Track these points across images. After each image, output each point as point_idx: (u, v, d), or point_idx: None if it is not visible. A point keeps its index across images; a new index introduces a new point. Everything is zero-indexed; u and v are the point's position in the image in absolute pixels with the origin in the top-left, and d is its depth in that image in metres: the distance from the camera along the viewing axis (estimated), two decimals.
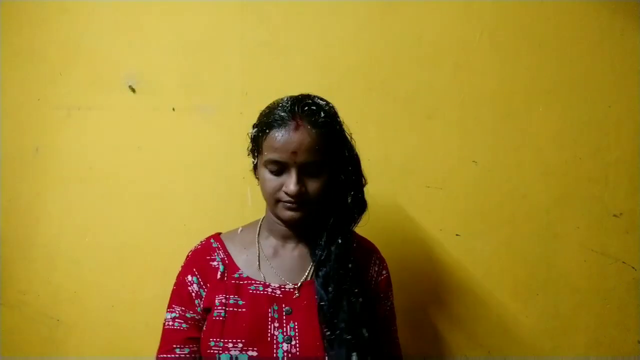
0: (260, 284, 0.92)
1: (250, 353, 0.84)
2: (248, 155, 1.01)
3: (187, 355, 0.91)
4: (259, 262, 0.96)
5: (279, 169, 0.89)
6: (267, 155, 0.90)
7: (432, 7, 1.31)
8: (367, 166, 1.27)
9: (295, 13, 1.33)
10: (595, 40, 1.30)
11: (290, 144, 0.87)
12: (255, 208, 1.29)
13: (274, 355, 0.84)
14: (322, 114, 0.91)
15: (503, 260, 1.30)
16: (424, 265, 1.30)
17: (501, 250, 1.30)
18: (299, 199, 0.89)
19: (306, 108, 0.90)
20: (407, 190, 1.30)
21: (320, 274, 0.91)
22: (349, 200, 0.95)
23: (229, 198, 1.31)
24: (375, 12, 1.32)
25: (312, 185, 0.90)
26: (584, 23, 1.30)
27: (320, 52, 1.32)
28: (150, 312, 1.31)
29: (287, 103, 0.92)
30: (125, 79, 1.35)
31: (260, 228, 1.01)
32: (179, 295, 0.96)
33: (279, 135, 0.88)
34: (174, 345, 0.91)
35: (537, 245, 1.29)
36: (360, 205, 0.98)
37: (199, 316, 0.93)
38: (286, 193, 0.88)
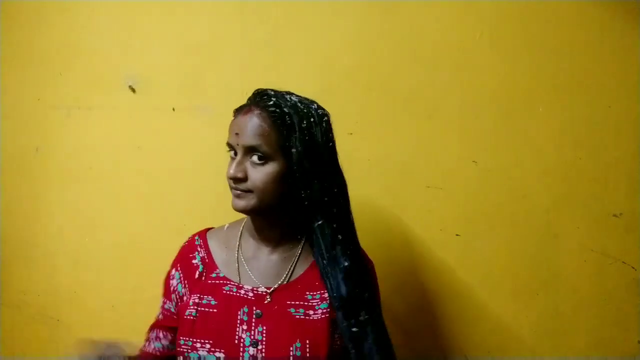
0: (234, 285, 0.91)
1: (217, 354, 0.84)
2: None
3: (156, 341, 0.98)
4: (237, 263, 0.95)
5: (234, 154, 0.89)
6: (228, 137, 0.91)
7: (432, 7, 1.31)
8: (367, 166, 1.27)
9: (295, 13, 1.33)
10: (595, 40, 1.30)
11: (237, 125, 0.88)
12: None
13: (240, 358, 0.83)
14: (276, 103, 0.88)
15: (503, 260, 1.30)
16: (424, 265, 1.30)
17: (501, 250, 1.30)
18: (237, 184, 0.87)
19: (264, 97, 0.90)
20: (407, 190, 1.30)
21: (337, 301, 0.88)
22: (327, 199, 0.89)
23: (229, 198, 1.31)
24: (375, 12, 1.32)
25: (255, 173, 0.86)
26: (584, 23, 1.30)
27: (320, 52, 1.32)
28: (150, 312, 1.31)
29: (255, 91, 0.94)
30: (125, 79, 1.35)
31: (243, 228, 1.00)
32: (164, 287, 1.00)
33: (234, 118, 0.91)
34: (150, 331, 1.00)
35: (537, 245, 1.29)
36: (342, 212, 0.92)
37: (175, 309, 0.95)
38: (229, 177, 0.88)
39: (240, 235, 0.99)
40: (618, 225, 1.28)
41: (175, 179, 1.32)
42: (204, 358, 0.84)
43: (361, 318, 0.87)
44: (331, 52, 1.32)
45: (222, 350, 0.84)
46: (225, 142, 0.92)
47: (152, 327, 1.01)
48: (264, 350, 0.84)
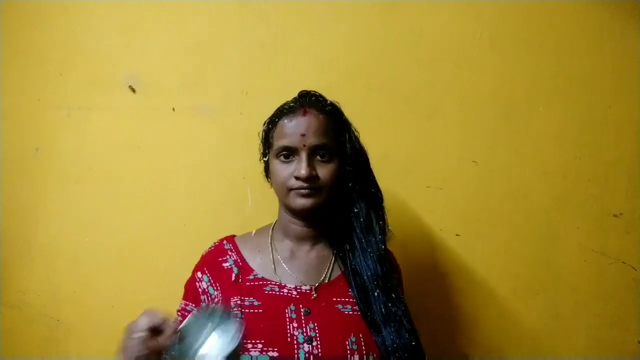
0: (275, 284, 0.92)
1: (270, 354, 0.83)
2: (260, 160, 1.03)
3: None
4: (274, 264, 0.95)
5: (289, 155, 0.92)
6: (278, 143, 0.93)
7: (432, 7, 1.31)
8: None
9: (295, 13, 1.33)
10: (595, 40, 1.30)
11: (299, 127, 0.91)
12: (255, 208, 1.29)
13: (296, 355, 0.83)
14: (328, 103, 0.97)
15: (503, 260, 1.30)
16: (424, 265, 1.30)
17: (501, 250, 1.30)
18: (311, 183, 0.90)
19: (313, 98, 0.97)
20: (407, 190, 1.30)
21: (372, 279, 0.91)
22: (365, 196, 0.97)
23: (229, 198, 1.31)
24: (375, 12, 1.32)
25: (323, 171, 0.91)
26: (584, 23, 1.30)
27: (320, 52, 1.32)
28: None
29: (295, 97, 0.99)
30: (125, 79, 1.35)
31: (273, 231, 1.01)
32: (187, 290, 0.99)
33: (288, 121, 0.93)
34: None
35: (537, 245, 1.29)
36: (378, 198, 0.99)
37: None
38: (297, 178, 0.90)
39: (272, 239, 1.00)
40: (618, 225, 1.28)
41: (175, 179, 1.32)
42: (257, 358, 0.83)
43: (394, 296, 0.91)
44: (331, 52, 1.32)
45: (276, 349, 0.83)
46: (281, 145, 0.92)
47: None
48: (319, 346, 0.84)
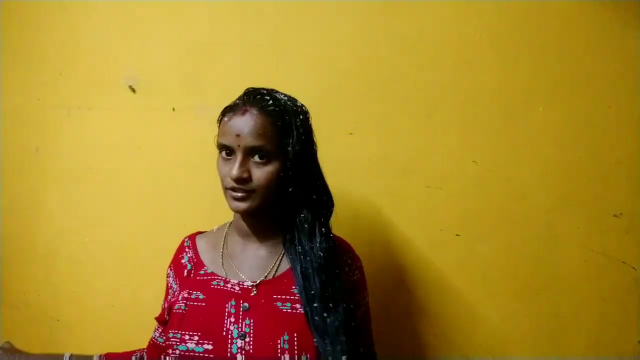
0: (221, 279, 0.94)
1: (205, 346, 0.85)
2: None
3: (155, 332, 1.08)
4: (222, 259, 0.97)
5: (228, 154, 0.91)
6: (219, 140, 0.92)
7: (432, 7, 1.31)
8: (367, 166, 1.27)
9: (295, 13, 1.33)
10: (595, 40, 1.30)
11: (236, 126, 0.89)
12: None
13: (229, 350, 0.83)
14: (273, 103, 0.91)
15: (503, 260, 1.30)
16: (424, 265, 1.30)
17: (501, 250, 1.29)
18: (242, 185, 0.88)
19: (258, 96, 0.92)
20: (407, 190, 1.30)
21: (301, 285, 0.89)
22: (314, 197, 0.94)
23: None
24: (375, 12, 1.32)
25: (258, 173, 0.88)
26: (584, 23, 1.30)
27: (320, 52, 1.32)
28: (150, 312, 1.31)
29: (244, 91, 0.96)
30: (125, 79, 1.35)
31: (229, 227, 1.03)
32: (165, 286, 1.05)
33: (227, 119, 0.91)
34: (155, 326, 1.08)
35: (537, 245, 1.29)
36: (324, 204, 0.96)
37: (168, 305, 0.99)
38: (230, 178, 0.88)
39: (226, 234, 1.02)
40: (618, 225, 1.28)
41: (175, 179, 1.32)
42: (192, 350, 0.85)
43: (331, 306, 0.87)
44: (331, 52, 1.32)
45: (211, 342, 0.85)
46: (217, 142, 0.92)
47: (156, 320, 1.07)
48: (251, 342, 0.84)
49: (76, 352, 1.32)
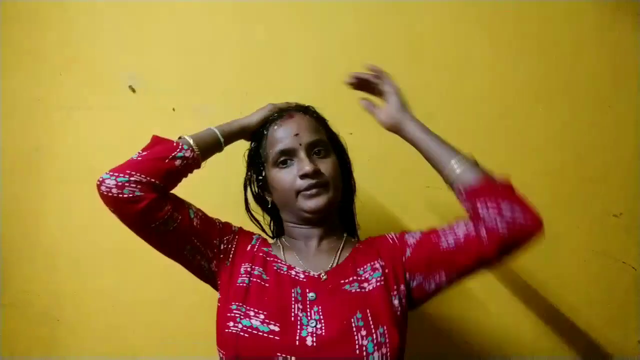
0: (285, 264, 0.92)
1: (271, 327, 0.81)
2: (246, 187, 1.06)
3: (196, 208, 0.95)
4: (284, 253, 0.96)
5: (287, 160, 0.93)
6: (273, 151, 0.94)
7: (432, 7, 1.31)
8: (367, 166, 1.27)
9: (295, 13, 1.33)
10: (595, 40, 1.30)
11: (291, 128, 0.94)
12: (255, 208, 1.29)
13: (298, 334, 0.81)
14: (308, 108, 1.01)
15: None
16: None
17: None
18: (318, 179, 0.90)
19: (293, 105, 1.01)
20: (407, 190, 1.30)
21: None
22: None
23: (229, 198, 1.31)
24: (375, 12, 1.32)
25: (325, 166, 0.93)
26: (584, 23, 1.30)
27: (320, 52, 1.32)
28: (150, 312, 1.32)
29: (277, 110, 1.01)
30: (125, 79, 1.35)
31: (281, 242, 1.01)
32: (224, 224, 0.99)
33: (277, 127, 0.95)
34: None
35: (537, 245, 1.29)
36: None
37: (198, 220, 0.92)
38: (303, 176, 0.90)
39: (283, 240, 1.00)
40: (618, 225, 1.28)
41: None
42: (257, 327, 0.81)
43: None
44: (331, 52, 1.32)
45: (278, 324, 0.82)
46: (278, 151, 0.93)
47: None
48: (323, 328, 0.82)
49: (76, 352, 1.33)
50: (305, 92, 1.31)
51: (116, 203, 0.84)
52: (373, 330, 0.81)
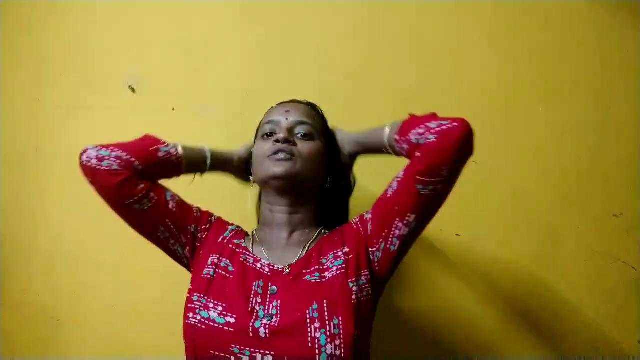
0: (252, 256, 0.92)
1: (227, 319, 0.82)
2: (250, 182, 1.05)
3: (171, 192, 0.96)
4: (252, 244, 0.96)
5: (272, 133, 0.96)
6: (262, 123, 1.00)
7: (432, 7, 1.31)
8: (367, 166, 1.27)
9: (295, 13, 1.33)
10: (595, 40, 1.30)
11: (285, 107, 0.99)
12: (256, 208, 1.29)
13: (251, 324, 0.81)
14: (309, 103, 1.04)
15: (503, 260, 1.30)
16: (424, 265, 1.30)
17: (501, 250, 1.29)
18: (288, 147, 0.92)
19: (293, 99, 1.04)
20: None
21: None
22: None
23: (229, 198, 1.31)
24: (375, 12, 1.32)
25: (302, 144, 0.94)
26: (584, 23, 1.30)
27: (320, 52, 1.32)
28: (150, 312, 1.32)
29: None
30: (125, 79, 1.35)
31: (257, 227, 1.04)
32: (200, 211, 1.00)
33: (275, 106, 1.01)
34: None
35: (537, 245, 1.29)
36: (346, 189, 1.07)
37: (174, 204, 0.94)
38: (276, 141, 0.92)
39: (255, 230, 1.02)
40: (618, 225, 1.28)
41: (175, 179, 1.32)
42: (214, 319, 0.82)
43: None
44: (331, 52, 1.32)
45: (234, 316, 0.83)
46: (266, 121, 0.98)
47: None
48: (278, 321, 0.82)
49: (76, 352, 1.33)
50: (305, 92, 1.31)
51: (94, 174, 0.88)
52: (327, 322, 0.81)
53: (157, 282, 1.32)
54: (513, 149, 1.30)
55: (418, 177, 0.82)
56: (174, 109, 1.33)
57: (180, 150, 0.96)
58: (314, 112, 1.02)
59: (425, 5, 1.31)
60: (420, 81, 1.31)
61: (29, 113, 1.36)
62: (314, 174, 0.96)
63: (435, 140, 0.81)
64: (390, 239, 0.88)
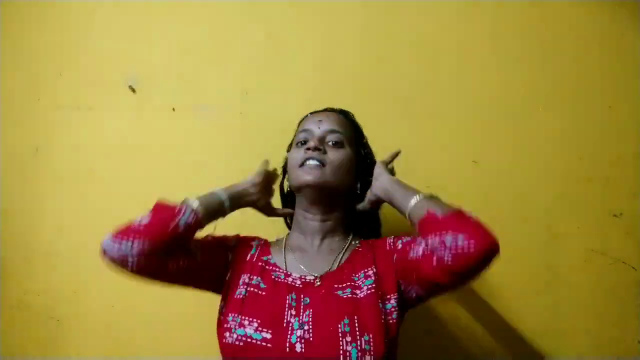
0: (282, 272, 0.94)
1: (264, 334, 0.84)
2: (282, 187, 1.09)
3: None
4: (284, 253, 0.98)
5: (306, 141, 0.99)
6: (296, 132, 1.04)
7: (432, 7, 1.31)
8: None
9: (295, 13, 1.33)
10: (595, 40, 1.30)
11: (318, 116, 1.03)
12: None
13: (288, 339, 0.83)
14: (346, 112, 1.07)
15: (503, 261, 1.29)
16: None
17: (501, 250, 1.29)
18: (319, 154, 0.96)
19: (329, 108, 1.07)
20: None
21: None
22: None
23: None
24: (375, 12, 1.32)
25: (333, 152, 0.98)
26: (584, 23, 1.30)
27: (321, 52, 1.32)
28: (150, 312, 1.31)
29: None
30: (125, 79, 1.35)
31: (290, 231, 1.06)
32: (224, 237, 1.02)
33: (309, 116, 1.05)
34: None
35: (537, 245, 1.29)
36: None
37: (202, 255, 0.93)
38: (307, 149, 0.96)
39: (288, 235, 1.05)
40: (618, 225, 1.28)
41: (175, 179, 1.32)
42: (250, 335, 0.84)
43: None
44: (331, 52, 1.32)
45: (270, 331, 0.84)
46: (299, 131, 1.02)
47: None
48: (311, 330, 0.84)
49: (76, 352, 1.32)
50: (305, 92, 1.31)
51: (121, 270, 0.89)
52: (358, 337, 0.82)
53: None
54: (513, 149, 1.30)
55: (437, 283, 0.83)
56: (174, 109, 1.33)
57: (197, 208, 0.92)
58: (347, 121, 1.05)
59: (426, 5, 1.31)
60: (420, 81, 1.31)
61: (29, 113, 1.36)
62: (344, 180, 0.99)
63: (450, 261, 0.78)
64: (409, 289, 0.90)
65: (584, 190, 1.29)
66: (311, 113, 1.06)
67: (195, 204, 0.92)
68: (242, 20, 1.34)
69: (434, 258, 0.80)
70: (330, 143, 0.99)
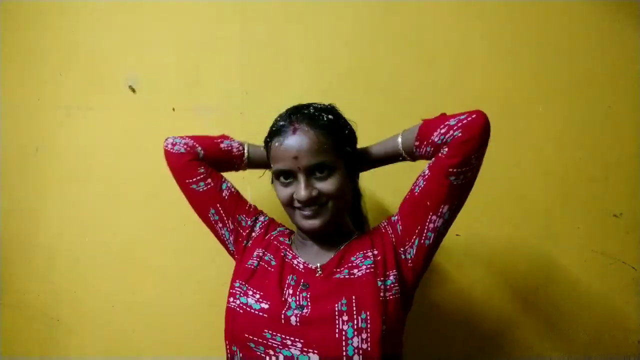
0: (291, 253, 0.98)
1: (262, 305, 0.89)
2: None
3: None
4: (296, 243, 1.02)
5: (288, 177, 0.92)
6: (274, 166, 0.94)
7: (432, 7, 1.31)
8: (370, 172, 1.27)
9: (295, 13, 1.33)
10: (595, 40, 1.30)
11: (291, 149, 0.89)
12: None
13: (283, 312, 0.87)
14: (320, 115, 0.93)
15: (503, 260, 1.30)
16: None
17: (501, 250, 1.30)
18: (312, 204, 0.91)
19: (304, 111, 0.93)
20: (407, 186, 1.29)
21: None
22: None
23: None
24: (375, 12, 1.32)
25: (325, 186, 0.90)
26: (584, 23, 1.30)
27: (321, 52, 1.32)
28: (150, 312, 1.32)
29: (285, 112, 0.97)
30: (125, 79, 1.35)
31: (295, 237, 1.05)
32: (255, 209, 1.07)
33: (278, 144, 0.91)
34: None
35: (537, 245, 1.29)
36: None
37: (228, 193, 1.03)
38: (298, 201, 0.91)
39: (296, 233, 1.05)
40: (618, 225, 1.28)
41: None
42: (251, 305, 0.89)
43: None
44: (331, 52, 1.32)
45: (268, 302, 0.89)
46: (277, 170, 0.92)
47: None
48: (309, 311, 0.86)
49: (76, 352, 1.33)
50: (305, 92, 1.31)
51: (167, 155, 1.02)
52: (355, 316, 0.84)
53: (157, 282, 1.32)
54: (513, 149, 1.30)
55: (451, 170, 0.86)
56: (174, 109, 1.34)
57: (245, 147, 1.05)
58: (322, 133, 0.90)
59: (425, 5, 1.31)
60: (420, 81, 1.31)
61: (29, 113, 1.36)
62: (347, 201, 0.98)
63: (461, 134, 0.86)
64: (424, 234, 0.91)
65: (584, 190, 1.29)
66: (277, 135, 0.92)
67: (246, 145, 1.06)
68: (242, 20, 1.34)
69: (447, 146, 0.86)
70: (317, 174, 0.90)
